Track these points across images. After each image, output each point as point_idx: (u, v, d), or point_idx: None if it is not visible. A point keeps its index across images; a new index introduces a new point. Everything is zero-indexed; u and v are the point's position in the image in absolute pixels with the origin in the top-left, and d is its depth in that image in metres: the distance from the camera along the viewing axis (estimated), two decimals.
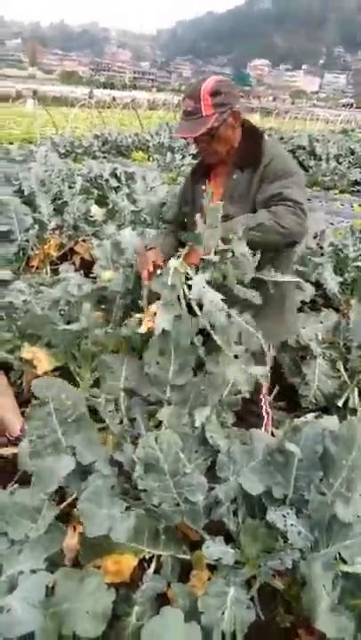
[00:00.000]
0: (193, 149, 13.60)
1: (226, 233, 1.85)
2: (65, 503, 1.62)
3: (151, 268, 2.08)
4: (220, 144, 1.98)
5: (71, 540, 1.57)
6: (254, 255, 1.87)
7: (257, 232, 1.83)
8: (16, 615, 1.13)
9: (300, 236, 1.89)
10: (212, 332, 1.88)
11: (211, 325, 1.87)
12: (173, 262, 1.93)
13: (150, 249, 2.21)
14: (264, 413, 2.30)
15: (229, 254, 1.85)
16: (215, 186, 2.13)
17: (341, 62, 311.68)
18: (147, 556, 1.57)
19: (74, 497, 1.63)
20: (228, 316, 1.93)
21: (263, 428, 2.27)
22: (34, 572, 1.26)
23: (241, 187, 2.00)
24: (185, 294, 1.94)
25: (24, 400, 2.52)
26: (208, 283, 1.89)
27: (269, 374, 2.32)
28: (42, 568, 1.28)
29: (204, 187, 2.16)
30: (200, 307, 1.87)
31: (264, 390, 2.29)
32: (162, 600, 1.49)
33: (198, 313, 1.85)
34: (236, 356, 1.87)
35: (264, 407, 2.30)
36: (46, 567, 1.31)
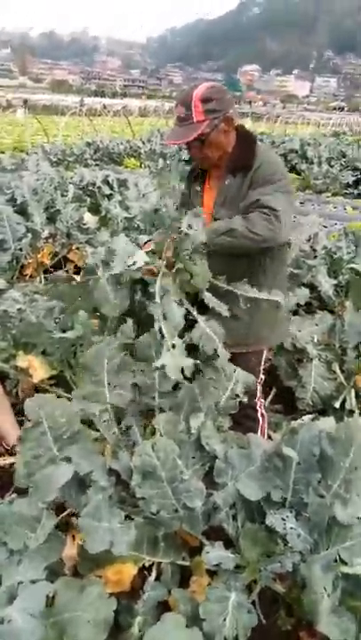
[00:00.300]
0: (185, 156, 13.67)
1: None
2: (65, 513, 1.61)
3: None
4: (211, 149, 2.00)
5: (70, 550, 1.56)
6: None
7: (228, 237, 1.89)
8: (17, 626, 1.12)
9: (272, 242, 1.93)
10: (162, 320, 1.87)
11: (163, 315, 1.87)
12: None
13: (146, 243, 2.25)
14: (259, 416, 2.31)
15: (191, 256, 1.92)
16: (210, 188, 2.16)
17: (331, 66, 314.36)
18: (147, 564, 1.57)
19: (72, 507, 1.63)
20: (194, 321, 1.97)
21: (259, 431, 2.27)
22: (34, 582, 1.25)
23: (232, 191, 2.03)
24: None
25: (21, 409, 2.52)
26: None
27: (264, 377, 2.33)
28: (42, 578, 1.27)
29: (199, 188, 2.20)
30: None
31: (259, 393, 2.29)
32: (163, 608, 1.49)
33: (158, 301, 1.85)
34: (173, 346, 1.84)
35: (259, 410, 2.31)
36: (46, 577, 1.30)
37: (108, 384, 1.95)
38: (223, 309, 1.97)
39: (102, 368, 1.96)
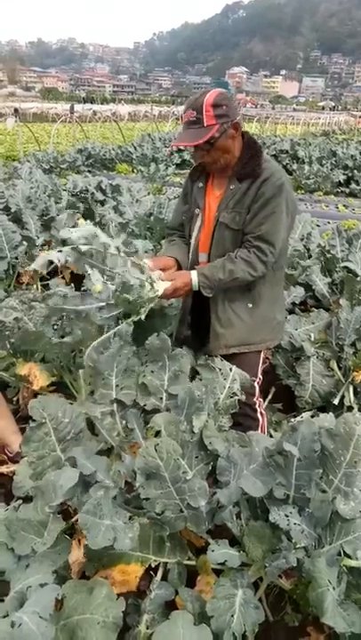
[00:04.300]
0: (177, 160, 13.72)
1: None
2: (73, 519, 1.62)
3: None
4: (219, 153, 2.05)
5: (77, 555, 1.57)
6: None
7: (231, 283, 2.10)
8: (28, 630, 1.13)
9: (268, 269, 2.13)
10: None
11: None
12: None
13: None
14: (259, 415, 2.33)
15: None
16: (213, 188, 2.22)
17: (318, 66, 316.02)
18: (153, 564, 1.58)
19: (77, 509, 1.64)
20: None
21: (259, 430, 2.29)
22: (42, 585, 1.26)
23: (238, 196, 2.09)
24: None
25: (21, 417, 2.53)
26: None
27: (262, 376, 2.36)
28: (50, 581, 1.28)
29: (201, 184, 2.24)
30: None
31: (258, 393, 2.31)
32: (170, 607, 1.50)
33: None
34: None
35: (259, 409, 2.33)
36: (54, 580, 1.31)
37: (117, 386, 1.98)
38: None
39: (112, 370, 2.01)
